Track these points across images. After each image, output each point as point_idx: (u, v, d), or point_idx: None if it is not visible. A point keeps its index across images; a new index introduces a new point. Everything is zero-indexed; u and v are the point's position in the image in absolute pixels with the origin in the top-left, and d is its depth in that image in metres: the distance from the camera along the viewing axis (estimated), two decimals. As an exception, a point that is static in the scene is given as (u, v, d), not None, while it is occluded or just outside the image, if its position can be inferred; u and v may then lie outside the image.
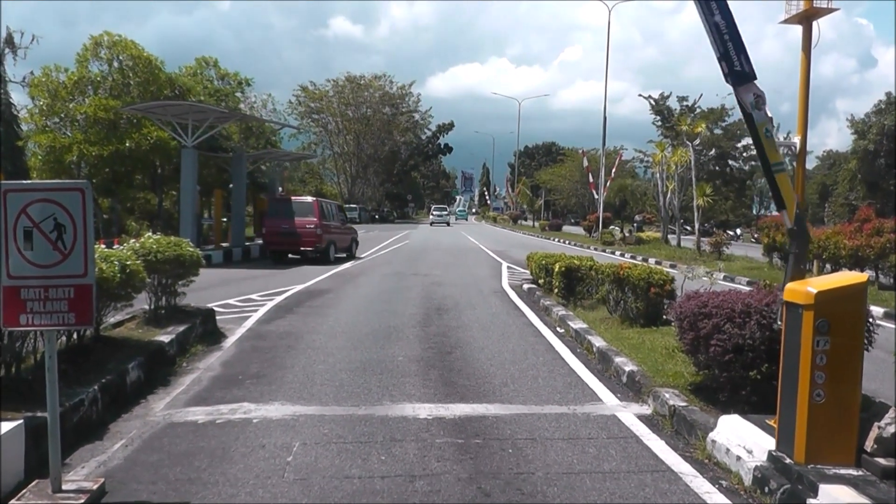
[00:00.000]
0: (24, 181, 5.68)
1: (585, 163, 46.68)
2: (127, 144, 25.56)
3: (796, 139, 6.11)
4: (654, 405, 6.74)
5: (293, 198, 25.99)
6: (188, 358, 8.75)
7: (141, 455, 5.46)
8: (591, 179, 45.20)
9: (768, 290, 6.94)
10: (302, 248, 24.24)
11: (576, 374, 8.18)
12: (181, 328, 9.22)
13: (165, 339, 8.54)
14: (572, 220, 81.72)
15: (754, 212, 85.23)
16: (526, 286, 16.29)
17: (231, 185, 27.36)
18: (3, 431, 4.58)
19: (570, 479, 5.04)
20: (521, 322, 11.91)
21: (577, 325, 10.66)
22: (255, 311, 12.69)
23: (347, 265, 22.91)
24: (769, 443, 5.09)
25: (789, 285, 5.07)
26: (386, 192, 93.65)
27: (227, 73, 37.18)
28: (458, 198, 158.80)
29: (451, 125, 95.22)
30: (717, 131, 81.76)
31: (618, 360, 8.18)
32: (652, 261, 27.39)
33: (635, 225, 39.08)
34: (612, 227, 42.93)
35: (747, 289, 18.74)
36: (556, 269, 13.34)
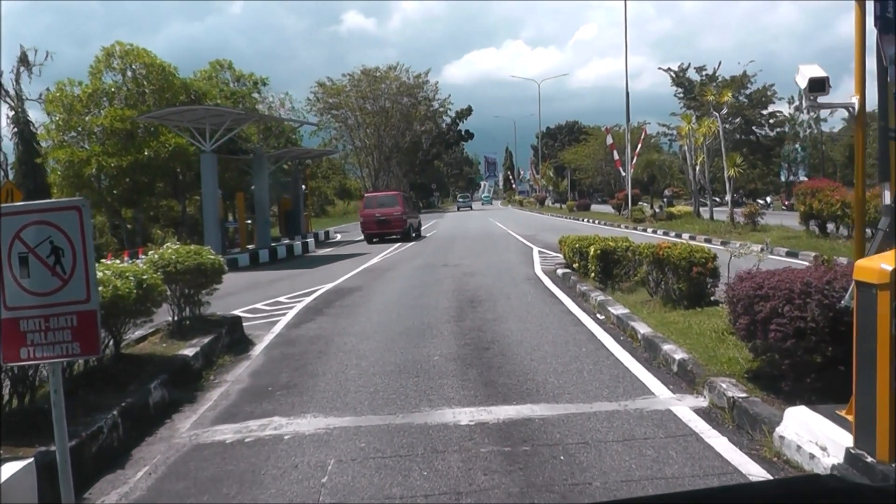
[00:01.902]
0: (17, 203, 5.32)
1: (609, 140, 45.83)
2: (145, 153, 25.37)
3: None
4: (711, 397, 6.26)
5: (382, 192, 34.24)
6: (215, 370, 8.41)
7: (165, 484, 5.11)
8: (616, 157, 44.42)
9: (827, 267, 6.42)
10: (391, 231, 31.05)
11: (622, 365, 7.72)
12: (206, 339, 8.90)
13: (190, 352, 8.21)
14: (598, 199, 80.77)
15: (782, 178, 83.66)
16: (560, 271, 15.82)
17: (253, 187, 27.13)
18: (9, 474, 4.23)
19: (630, 488, 4.61)
20: (558, 310, 11.45)
21: (617, 310, 10.18)
22: (284, 314, 12.37)
23: (376, 260, 22.57)
24: (845, 438, 4.60)
25: (860, 262, 4.56)
26: (410, 182, 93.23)
27: (243, 75, 36.95)
28: (482, 183, 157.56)
29: (470, 110, 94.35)
30: (742, 99, 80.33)
31: (666, 347, 7.70)
32: (686, 236, 26.77)
33: (665, 200, 38.25)
34: (640, 203, 42.09)
35: (790, 260, 18.12)
36: (592, 253, 12.84)
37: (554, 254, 21.01)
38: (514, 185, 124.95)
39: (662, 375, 7.27)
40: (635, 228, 32.57)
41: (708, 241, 24.32)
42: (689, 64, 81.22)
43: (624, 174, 41.96)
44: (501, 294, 13.49)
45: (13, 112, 36.22)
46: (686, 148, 34.18)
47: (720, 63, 62.85)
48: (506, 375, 7.51)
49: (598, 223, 39.18)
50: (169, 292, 8.69)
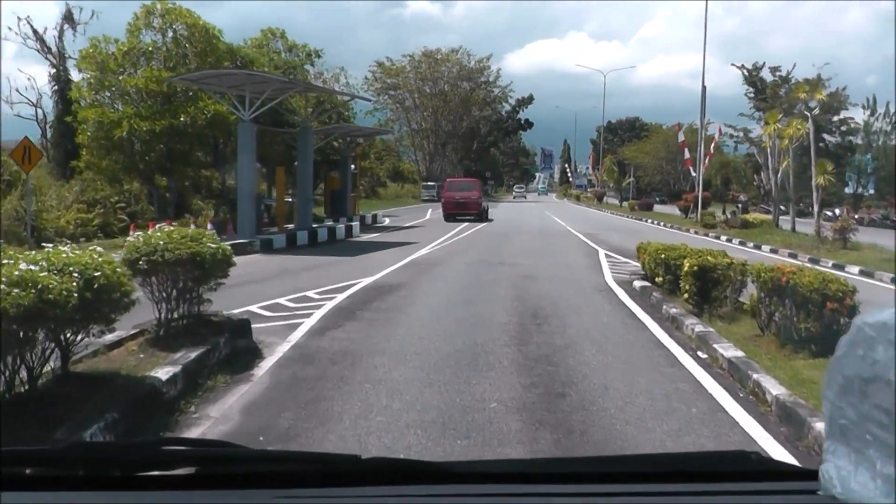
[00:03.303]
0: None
1: (681, 137, 43.03)
2: (181, 119, 23.53)
3: None
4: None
5: (462, 178, 43.12)
6: (200, 397, 6.33)
7: None
8: (686, 155, 41.66)
9: None
10: (468, 213, 36.68)
11: (757, 446, 5.44)
12: (195, 353, 6.84)
13: (165, 374, 6.13)
14: (657, 199, 77.70)
15: (847, 190, 79.24)
16: (637, 283, 13.46)
17: (296, 163, 25.12)
18: None
19: None
20: (644, 338, 9.16)
21: (727, 350, 7.85)
22: (309, 315, 10.29)
23: (425, 251, 20.43)
24: None
25: None
26: (465, 169, 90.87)
27: (295, 45, 35.11)
28: (537, 175, 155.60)
29: (531, 98, 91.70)
30: (812, 103, 76.43)
31: (819, 426, 5.37)
32: (766, 248, 24.19)
33: (740, 206, 35.24)
34: (709, 207, 39.13)
35: (893, 287, 15.46)
36: (686, 269, 10.47)
37: (623, 259, 18.68)
38: (570, 179, 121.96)
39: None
40: (706, 235, 29.91)
41: (793, 256, 21.72)
42: (764, 63, 77.45)
43: (694, 174, 39.29)
44: (570, 308, 11.23)
45: (54, 70, 34.84)
46: (769, 150, 31.34)
47: (794, 65, 59.05)
48: (593, 446, 5.29)
49: (664, 226, 36.50)
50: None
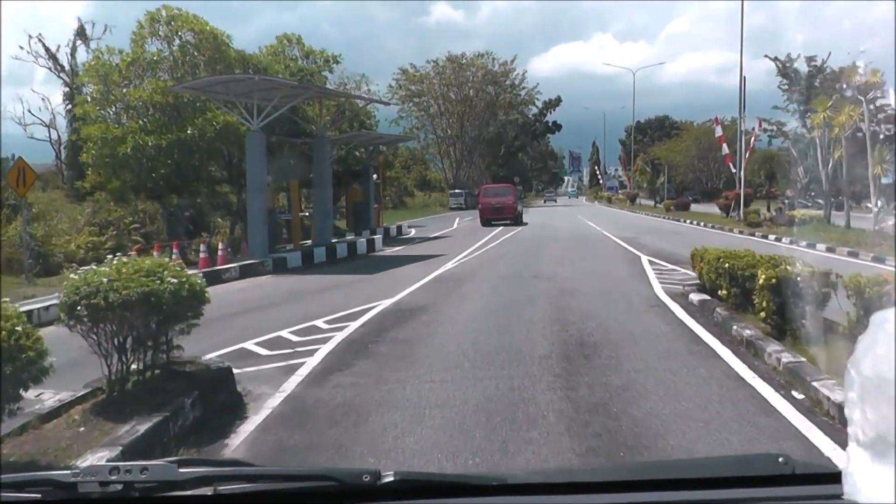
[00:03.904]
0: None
1: (719, 131, 41.00)
2: (189, 132, 22.12)
3: None
4: None
5: (498, 185, 44.41)
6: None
7: None
8: (725, 150, 39.61)
9: None
10: (504, 217, 38.11)
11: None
12: (148, 424, 5.26)
13: (99, 460, 4.55)
14: (689, 198, 75.37)
15: (885, 181, 75.65)
16: (695, 297, 11.66)
17: (312, 175, 23.60)
18: None
19: None
20: (720, 372, 7.42)
21: (834, 392, 6.11)
22: (313, 352, 8.69)
23: (451, 265, 18.83)
24: None
25: None
26: (492, 175, 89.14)
27: (312, 51, 33.66)
28: (566, 178, 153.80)
29: (559, 100, 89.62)
30: (848, 93, 73.77)
31: None
32: (821, 247, 22.20)
33: (786, 202, 33.03)
34: (751, 205, 36.84)
35: None
36: (762, 281, 8.71)
37: (669, 266, 16.98)
38: (600, 181, 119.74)
39: None
40: (752, 235, 27.90)
41: (853, 254, 19.80)
42: (799, 54, 74.93)
43: (734, 170, 37.31)
44: (622, 332, 9.51)
45: (67, 88, 33.76)
46: (817, 140, 29.30)
47: (829, 53, 56.61)
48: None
49: (705, 226, 34.46)
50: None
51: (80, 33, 35.23)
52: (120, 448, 4.78)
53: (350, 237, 26.08)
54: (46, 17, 76.41)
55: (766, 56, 47.28)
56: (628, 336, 9.25)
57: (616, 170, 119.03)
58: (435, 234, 32.81)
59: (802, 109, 57.14)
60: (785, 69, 77.75)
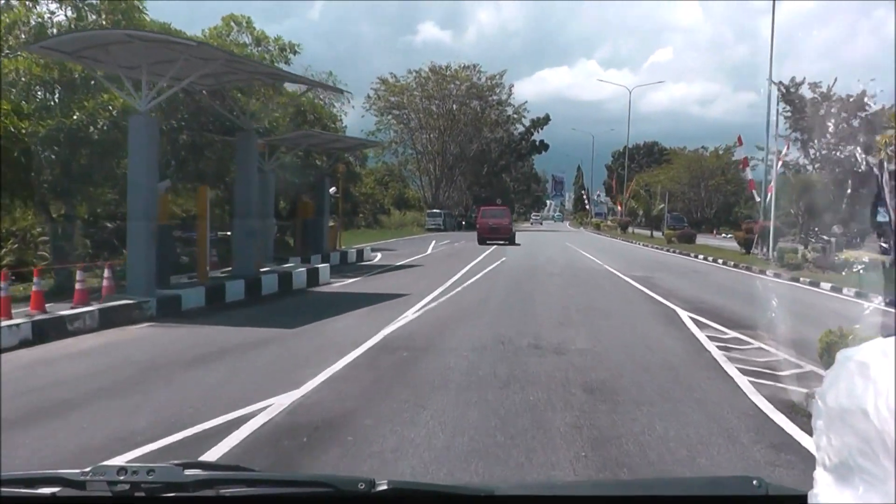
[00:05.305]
0: None
1: (741, 153, 35.89)
2: (76, 118, 16.49)
3: None
4: None
5: (495, 207, 49.39)
6: None
7: None
8: (749, 176, 34.55)
9: None
10: (500, 237, 41.58)
11: None
12: None
13: None
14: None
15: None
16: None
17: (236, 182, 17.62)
18: None
19: None
20: None
21: None
22: None
23: (413, 313, 13.16)
24: None
25: None
26: (473, 196, 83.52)
27: (266, 37, 28.19)
28: (548, 202, 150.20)
29: (547, 119, 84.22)
30: (854, 122, 69.24)
31: None
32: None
33: (832, 241, 27.24)
34: (776, 242, 31.10)
35: None
36: None
37: (731, 332, 11.59)
38: (587, 206, 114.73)
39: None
40: (796, 280, 22.31)
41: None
42: (804, 79, 70.30)
43: (758, 199, 32.11)
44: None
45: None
46: (884, 164, 23.94)
47: (835, 79, 52.27)
48: None
49: (725, 264, 28.85)
50: None
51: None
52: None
53: (289, 265, 20.27)
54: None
55: (768, 80, 42.38)
56: None
57: (597, 195, 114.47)
58: (402, 262, 27.05)
59: (804, 138, 53.12)
60: (788, 95, 72.85)
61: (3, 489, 1.56)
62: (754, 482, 1.66)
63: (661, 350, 10.27)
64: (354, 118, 75.90)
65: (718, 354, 9.88)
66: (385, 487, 1.60)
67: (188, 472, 1.63)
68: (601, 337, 11.27)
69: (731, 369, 8.88)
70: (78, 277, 13.09)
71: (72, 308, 12.21)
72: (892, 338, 1.23)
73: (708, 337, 11.32)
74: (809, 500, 1.30)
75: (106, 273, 14.01)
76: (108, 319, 12.13)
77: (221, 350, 10.05)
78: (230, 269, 17.39)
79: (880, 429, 1.14)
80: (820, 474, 1.29)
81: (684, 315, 13.69)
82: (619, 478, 5.06)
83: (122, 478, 1.60)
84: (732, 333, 11.54)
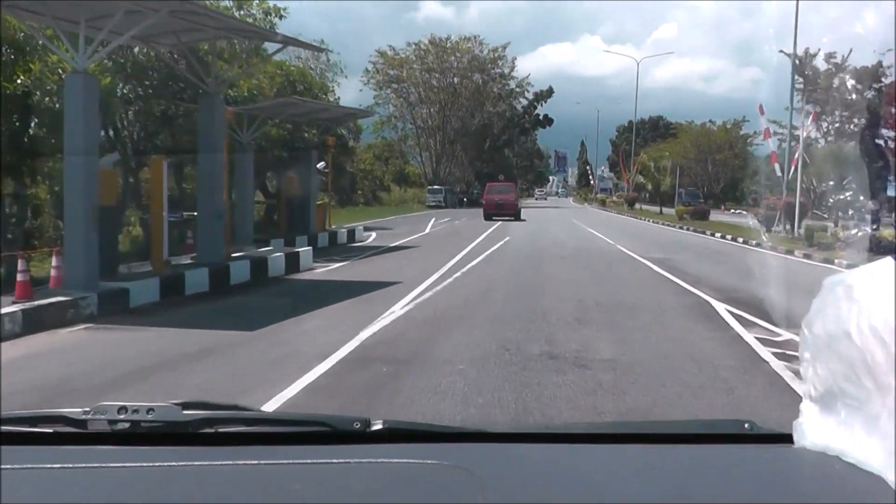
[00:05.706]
0: None
1: (763, 123, 33.54)
2: (18, 81, 14.44)
3: None
4: None
5: (501, 183, 50.25)
6: None
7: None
8: (771, 148, 32.44)
9: None
10: (507, 213, 42.73)
11: None
12: None
13: None
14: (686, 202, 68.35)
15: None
16: None
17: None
18: None
19: None
20: None
21: None
22: None
23: (401, 308, 11.09)
24: None
25: None
26: (475, 171, 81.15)
27: (248, 0, 25.94)
28: (551, 178, 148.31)
29: (551, 91, 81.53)
30: (869, 94, 67.01)
31: None
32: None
33: (870, 218, 24.96)
34: (804, 220, 28.83)
35: None
36: None
37: (785, 334, 9.47)
38: (592, 182, 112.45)
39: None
40: (831, 262, 20.16)
41: None
42: (819, 50, 67.83)
43: (780, 174, 29.99)
44: None
45: None
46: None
47: (850, 50, 50.26)
48: None
49: (745, 243, 26.71)
50: None
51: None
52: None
53: (267, 248, 18.14)
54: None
55: (780, 51, 40.23)
56: None
57: (601, 170, 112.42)
58: (397, 243, 24.93)
59: (818, 111, 51.39)
60: (802, 66, 70.17)
61: (4, 427, 1.55)
62: (745, 425, 1.67)
63: (707, 361, 8.15)
64: (353, 93, 73.29)
65: (779, 366, 7.80)
66: (380, 427, 1.58)
67: (187, 411, 1.61)
68: (629, 341, 9.19)
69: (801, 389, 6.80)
70: (20, 267, 11.00)
71: (13, 303, 10.17)
72: (883, 260, 1.19)
73: (758, 339, 9.26)
74: (794, 432, 1.38)
75: (54, 262, 11.94)
76: (36, 322, 9.99)
77: (146, 367, 7.96)
78: (194, 255, 15.28)
79: (863, 348, 1.12)
80: (805, 405, 1.33)
81: (721, 308, 11.63)
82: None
83: (122, 416, 1.58)
84: (786, 335, 9.45)
